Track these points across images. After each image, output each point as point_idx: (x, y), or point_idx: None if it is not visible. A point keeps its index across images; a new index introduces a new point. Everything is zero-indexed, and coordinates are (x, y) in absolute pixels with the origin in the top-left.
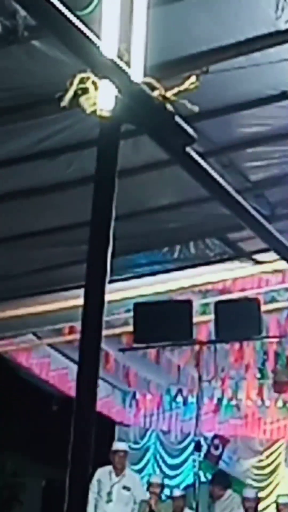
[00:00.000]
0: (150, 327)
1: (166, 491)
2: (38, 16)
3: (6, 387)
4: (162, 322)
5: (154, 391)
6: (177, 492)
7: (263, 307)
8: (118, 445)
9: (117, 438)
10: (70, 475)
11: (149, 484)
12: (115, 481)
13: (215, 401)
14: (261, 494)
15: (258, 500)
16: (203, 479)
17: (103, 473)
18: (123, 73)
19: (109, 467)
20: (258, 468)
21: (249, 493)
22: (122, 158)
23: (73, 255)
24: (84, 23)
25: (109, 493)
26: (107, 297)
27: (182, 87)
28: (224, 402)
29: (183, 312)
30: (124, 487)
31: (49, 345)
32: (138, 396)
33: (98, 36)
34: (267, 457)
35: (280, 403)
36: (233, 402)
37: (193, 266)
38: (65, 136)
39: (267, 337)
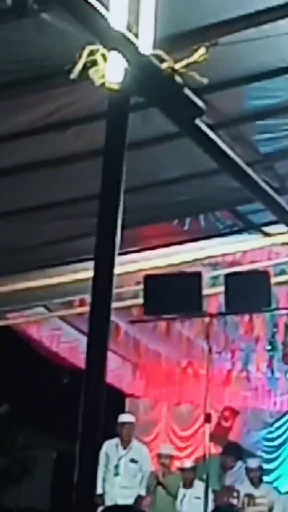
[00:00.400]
0: (160, 299)
1: (177, 463)
2: None
3: (17, 360)
4: (172, 295)
5: (164, 363)
6: (187, 464)
7: (273, 279)
8: (124, 417)
9: (127, 410)
10: (80, 447)
11: (158, 456)
12: (122, 454)
13: (225, 373)
14: (271, 466)
15: (261, 469)
16: (213, 450)
17: (110, 446)
18: (132, 45)
19: (115, 440)
20: (268, 439)
21: (253, 463)
22: (131, 131)
23: (83, 228)
24: None
25: (117, 466)
26: (117, 269)
27: (191, 59)
28: (234, 374)
29: (193, 284)
30: (132, 460)
31: (60, 317)
32: (148, 368)
33: (107, 8)
34: (277, 428)
35: None
36: (243, 374)
37: (203, 238)
38: (74, 108)
39: (277, 309)
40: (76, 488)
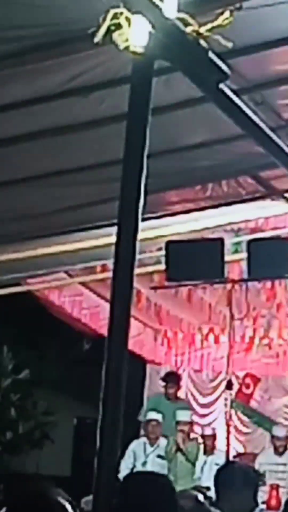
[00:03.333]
0: (182, 265)
1: (198, 430)
2: None
3: (38, 326)
4: (194, 261)
5: (186, 329)
6: (208, 431)
7: None
8: (150, 415)
9: (148, 375)
10: (102, 413)
11: (177, 422)
12: (150, 451)
13: (246, 339)
14: None
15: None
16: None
17: (137, 445)
18: (157, 8)
19: (143, 439)
20: None
21: (279, 431)
22: (154, 96)
23: (106, 193)
24: None
25: (144, 463)
26: (140, 235)
27: (215, 23)
28: (256, 341)
29: (215, 250)
30: (159, 456)
31: (81, 283)
32: (169, 334)
33: None
34: None
35: None
36: (265, 341)
37: (225, 204)
38: (98, 73)
39: None
40: (98, 455)
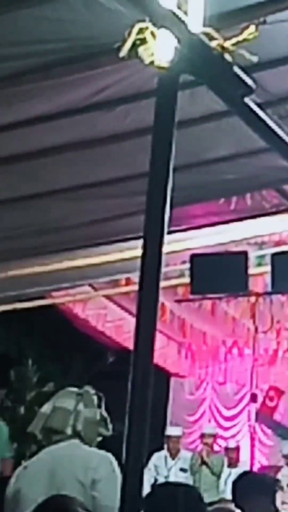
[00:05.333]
0: (206, 278)
1: (222, 443)
2: None
3: (63, 339)
4: (218, 274)
5: (210, 342)
6: (231, 444)
7: None
8: (171, 431)
9: (172, 388)
10: (128, 426)
11: (202, 435)
12: (172, 465)
13: (270, 352)
14: None
15: None
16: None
17: (158, 459)
18: (182, 23)
19: (164, 452)
20: None
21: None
22: (179, 109)
23: (131, 207)
24: None
25: (167, 477)
26: (165, 248)
27: (240, 37)
28: (280, 353)
29: (239, 263)
30: (181, 469)
31: (105, 296)
32: (193, 347)
33: None
34: None
35: None
36: None
37: (249, 217)
38: (123, 87)
39: None
40: (124, 468)
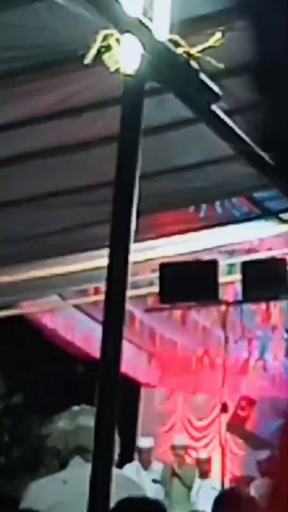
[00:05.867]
0: (176, 287)
1: (193, 454)
2: None
3: (30, 350)
4: (188, 283)
5: (180, 352)
6: (203, 455)
7: None
8: (142, 442)
9: (142, 400)
10: (96, 437)
11: (173, 447)
12: (144, 476)
13: (241, 362)
14: None
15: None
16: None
17: (130, 471)
18: (147, 30)
19: (135, 463)
20: None
21: (260, 455)
22: (146, 116)
23: (98, 215)
24: None
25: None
26: (132, 257)
27: (207, 44)
28: (251, 363)
29: (209, 272)
30: (154, 481)
31: (74, 306)
32: (163, 357)
33: None
34: None
35: None
36: (260, 363)
37: (219, 225)
38: (89, 94)
39: None
40: (92, 479)
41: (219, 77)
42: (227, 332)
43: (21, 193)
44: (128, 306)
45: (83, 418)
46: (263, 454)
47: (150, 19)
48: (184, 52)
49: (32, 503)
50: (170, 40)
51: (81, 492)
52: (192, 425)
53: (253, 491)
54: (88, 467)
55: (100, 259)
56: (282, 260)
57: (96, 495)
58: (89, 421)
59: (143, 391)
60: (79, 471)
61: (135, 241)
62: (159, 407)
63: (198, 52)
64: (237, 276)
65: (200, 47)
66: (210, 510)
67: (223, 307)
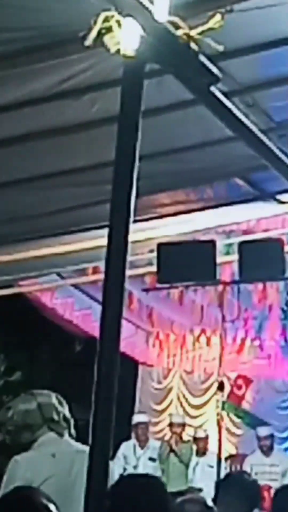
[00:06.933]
0: (174, 267)
1: (190, 431)
2: None
3: (30, 328)
4: (186, 262)
5: (177, 331)
6: (200, 433)
7: (287, 248)
8: (138, 418)
9: (140, 378)
10: (94, 415)
11: (170, 424)
12: (140, 454)
13: (238, 341)
14: (284, 434)
15: (272, 438)
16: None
17: (127, 448)
18: (147, 11)
19: (132, 441)
20: (281, 408)
21: (263, 431)
22: (146, 98)
23: (97, 195)
24: None
25: (136, 466)
26: (131, 237)
27: (206, 26)
28: (247, 342)
29: (206, 252)
30: (150, 459)
31: (73, 285)
32: (161, 336)
33: None
34: None
35: None
36: (256, 343)
37: (217, 206)
38: (89, 75)
39: None
40: (90, 456)
41: (219, 59)
42: (224, 312)
43: (20, 173)
44: (126, 286)
45: (41, 398)
46: (265, 430)
47: (150, 1)
48: (184, 34)
49: (24, 478)
50: (170, 22)
51: (69, 465)
52: (189, 403)
53: (248, 468)
54: (65, 441)
55: (99, 239)
56: (279, 240)
57: (94, 472)
58: (50, 399)
59: (140, 369)
60: (64, 445)
61: (134, 221)
62: (157, 385)
63: (198, 34)
64: (235, 257)
65: (199, 29)
66: (213, 492)
67: (220, 287)
